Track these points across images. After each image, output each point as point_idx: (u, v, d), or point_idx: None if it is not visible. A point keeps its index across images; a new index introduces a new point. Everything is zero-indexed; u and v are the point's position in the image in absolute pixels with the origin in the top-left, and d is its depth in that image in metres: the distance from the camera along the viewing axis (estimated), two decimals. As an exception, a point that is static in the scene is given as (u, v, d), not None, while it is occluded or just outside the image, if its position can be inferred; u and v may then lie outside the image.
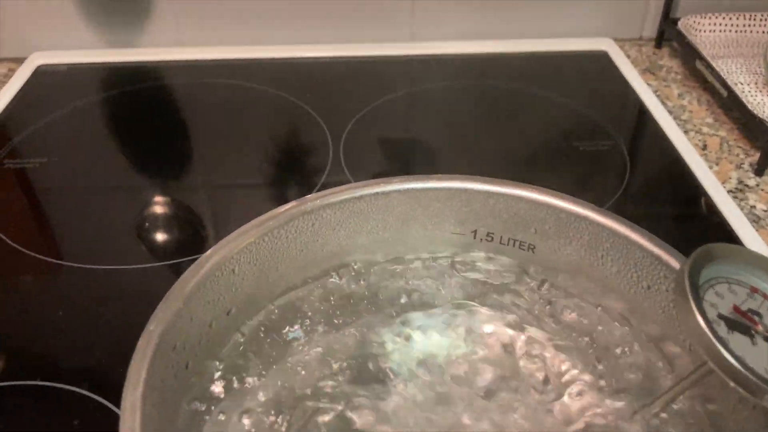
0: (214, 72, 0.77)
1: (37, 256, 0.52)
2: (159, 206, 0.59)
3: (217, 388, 0.35)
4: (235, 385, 0.36)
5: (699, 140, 0.66)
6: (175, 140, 0.68)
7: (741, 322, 0.29)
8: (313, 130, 0.67)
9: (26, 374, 0.43)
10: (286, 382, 0.36)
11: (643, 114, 0.70)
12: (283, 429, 0.34)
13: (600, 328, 0.39)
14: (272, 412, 0.35)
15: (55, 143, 0.67)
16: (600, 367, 0.37)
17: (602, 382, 0.36)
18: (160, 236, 0.56)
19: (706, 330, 0.27)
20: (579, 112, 0.70)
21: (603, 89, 0.75)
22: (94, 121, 0.71)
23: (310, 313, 0.40)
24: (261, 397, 0.35)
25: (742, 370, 0.26)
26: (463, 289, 0.42)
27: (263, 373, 0.36)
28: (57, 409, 0.42)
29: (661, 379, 0.36)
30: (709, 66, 0.70)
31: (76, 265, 0.51)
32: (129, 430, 0.27)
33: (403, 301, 0.41)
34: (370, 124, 0.68)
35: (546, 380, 0.37)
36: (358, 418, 0.34)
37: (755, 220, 0.56)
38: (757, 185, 0.60)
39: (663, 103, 0.71)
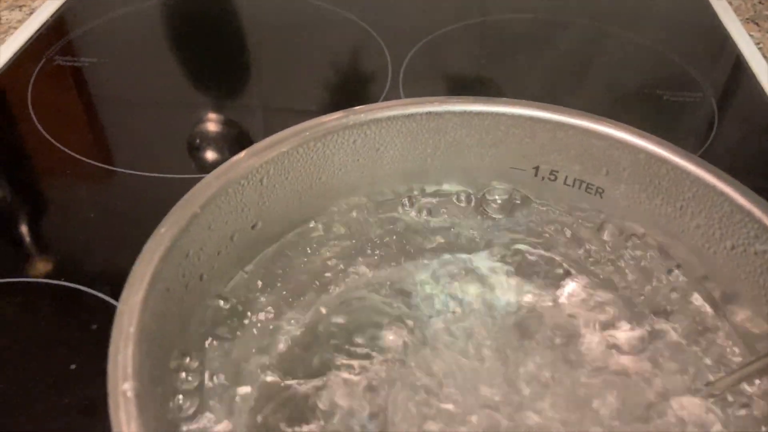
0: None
1: (85, 159, 0.50)
2: (212, 123, 0.56)
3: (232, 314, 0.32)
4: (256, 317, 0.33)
5: (803, 103, 0.59)
6: (231, 54, 0.64)
7: None
8: (373, 53, 0.62)
9: (54, 274, 0.41)
10: (310, 319, 0.33)
11: (739, 67, 0.62)
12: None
13: (663, 285, 0.34)
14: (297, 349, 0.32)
15: (110, 44, 0.64)
16: (657, 327, 0.32)
17: (659, 345, 0.32)
18: (210, 154, 0.54)
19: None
20: (667, 59, 0.63)
21: (697, 36, 0.68)
22: (152, 26, 0.68)
23: (343, 241, 0.36)
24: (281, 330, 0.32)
25: None
26: (514, 231, 0.37)
27: (286, 301, 0.33)
28: (76, 310, 0.40)
29: (728, 353, 0.31)
30: (825, 18, 0.61)
31: (123, 170, 0.49)
32: (121, 340, 0.24)
33: (441, 240, 0.37)
34: (435, 52, 0.63)
35: (594, 339, 0.32)
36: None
37: None
38: None
39: (765, 57, 0.63)
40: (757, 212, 0.29)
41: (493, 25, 0.68)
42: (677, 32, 0.68)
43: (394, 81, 0.59)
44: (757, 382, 0.29)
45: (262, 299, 0.33)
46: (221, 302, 0.32)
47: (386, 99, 0.57)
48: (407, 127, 0.35)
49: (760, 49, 0.64)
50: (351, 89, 0.60)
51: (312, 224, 0.36)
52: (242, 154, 0.32)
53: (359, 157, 0.36)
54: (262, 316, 0.32)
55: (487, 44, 0.66)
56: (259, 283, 0.34)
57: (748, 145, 0.55)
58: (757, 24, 0.69)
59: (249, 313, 0.33)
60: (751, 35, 0.66)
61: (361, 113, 0.34)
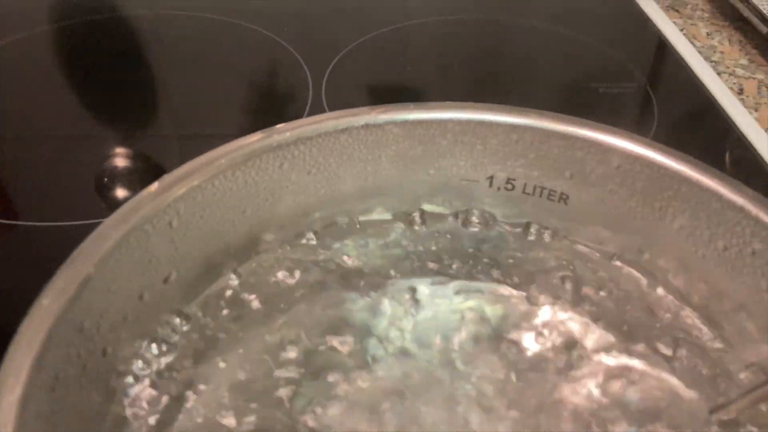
0: (177, 3, 0.66)
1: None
2: (120, 158, 0.49)
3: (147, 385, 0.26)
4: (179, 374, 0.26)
5: (734, 83, 0.58)
6: (137, 80, 0.57)
7: None
8: (291, 69, 0.57)
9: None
10: (246, 370, 0.27)
11: (667, 53, 0.61)
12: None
13: (644, 300, 0.30)
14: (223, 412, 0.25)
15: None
16: (647, 348, 0.28)
17: (648, 366, 0.28)
18: (122, 192, 0.47)
19: None
20: (597, 51, 0.61)
21: (622, 27, 0.66)
22: (45, 54, 0.60)
23: (279, 282, 0.31)
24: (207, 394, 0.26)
25: None
26: (471, 251, 0.33)
27: (213, 362, 0.27)
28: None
29: (736, 372, 0.27)
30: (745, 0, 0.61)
31: (21, 223, 0.42)
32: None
33: (392, 271, 0.31)
34: (357, 62, 0.58)
35: (572, 362, 0.28)
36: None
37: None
38: (806, 131, 0.52)
39: (690, 42, 0.62)
40: (752, 208, 0.26)
41: (417, 29, 0.64)
42: (603, 25, 0.66)
43: (317, 96, 0.54)
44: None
45: (189, 371, 0.27)
46: (130, 379, 0.26)
47: (310, 113, 0.52)
48: (342, 144, 0.30)
49: (684, 34, 0.63)
50: (270, 109, 0.54)
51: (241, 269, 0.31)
52: (144, 193, 0.26)
53: (289, 183, 0.30)
54: (189, 395, 0.26)
55: (412, 49, 0.62)
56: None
57: (692, 128, 0.53)
58: (677, 11, 0.68)
59: (170, 392, 0.26)
60: (674, 22, 0.65)
61: (285, 131, 0.29)
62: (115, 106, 0.54)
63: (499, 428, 0.25)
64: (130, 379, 0.26)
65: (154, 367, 0.26)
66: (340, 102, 0.53)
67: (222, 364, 0.27)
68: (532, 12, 0.66)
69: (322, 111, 0.52)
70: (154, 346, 0.27)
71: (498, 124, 0.31)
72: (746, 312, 0.27)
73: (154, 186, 0.26)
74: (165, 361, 0.27)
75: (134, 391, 0.25)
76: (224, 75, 0.58)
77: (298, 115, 0.51)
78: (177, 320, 0.28)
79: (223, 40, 0.62)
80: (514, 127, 0.30)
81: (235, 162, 0.28)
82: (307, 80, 0.55)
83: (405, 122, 0.30)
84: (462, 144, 0.31)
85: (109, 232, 0.24)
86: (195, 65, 0.59)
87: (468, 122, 0.30)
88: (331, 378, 0.27)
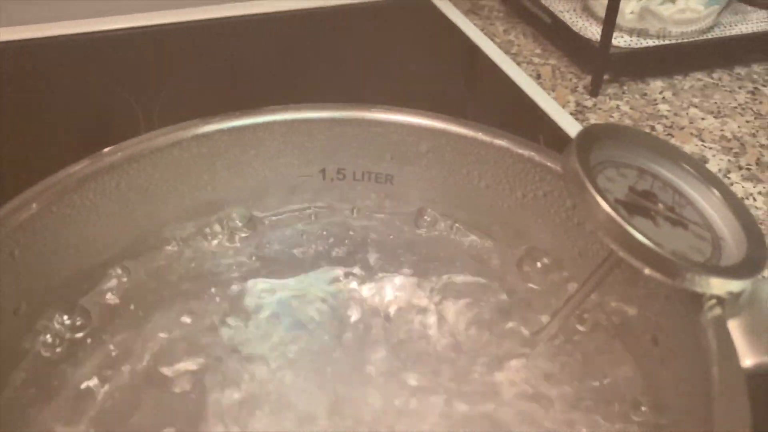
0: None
1: None
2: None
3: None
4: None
5: (532, 71, 0.65)
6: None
7: (640, 205, 0.25)
8: (121, 107, 0.57)
9: None
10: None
11: (475, 53, 0.67)
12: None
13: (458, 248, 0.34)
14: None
15: None
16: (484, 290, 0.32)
17: (482, 310, 0.32)
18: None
19: (615, 216, 0.23)
20: (409, 59, 0.66)
21: (432, 35, 0.72)
22: None
23: (126, 299, 0.32)
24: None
25: (660, 250, 0.23)
26: (320, 243, 0.35)
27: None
28: None
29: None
30: (530, -3, 0.69)
31: None
32: None
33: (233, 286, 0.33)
34: (183, 93, 0.59)
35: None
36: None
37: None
38: (595, 105, 0.60)
39: (491, 39, 0.69)
40: (536, 156, 0.31)
41: (233, 58, 0.66)
42: (415, 34, 0.71)
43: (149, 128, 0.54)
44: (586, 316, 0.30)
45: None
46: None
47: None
48: (176, 157, 0.32)
49: (485, 33, 0.70)
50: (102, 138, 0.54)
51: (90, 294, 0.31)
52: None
53: (127, 203, 0.31)
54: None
55: (229, 76, 0.64)
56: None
57: (500, 111, 0.59)
58: (476, 14, 0.76)
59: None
60: (474, 24, 0.72)
61: (117, 152, 0.30)
62: None
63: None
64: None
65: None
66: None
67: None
68: (351, 29, 0.70)
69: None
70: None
71: (320, 120, 0.34)
72: (545, 247, 0.32)
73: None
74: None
75: None
76: (52, 124, 0.56)
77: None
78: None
79: (49, 88, 0.60)
80: (334, 121, 0.33)
81: (70, 187, 0.29)
82: (138, 117, 0.55)
83: (232, 129, 0.32)
84: (291, 143, 0.34)
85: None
86: (21, 119, 0.57)
87: (292, 122, 0.33)
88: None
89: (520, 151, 0.31)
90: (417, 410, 0.28)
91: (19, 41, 0.65)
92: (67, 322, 0.30)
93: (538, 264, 0.33)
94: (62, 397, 0.27)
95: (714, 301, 0.24)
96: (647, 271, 0.23)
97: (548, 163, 0.30)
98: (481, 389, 0.28)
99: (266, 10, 0.73)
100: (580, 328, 0.30)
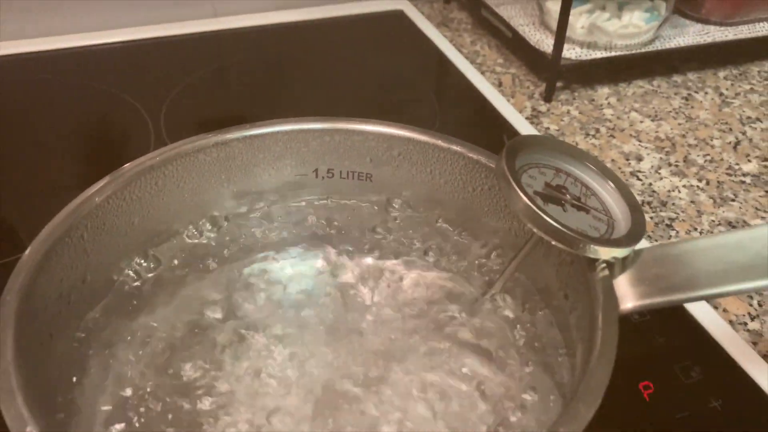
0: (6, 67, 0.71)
1: None
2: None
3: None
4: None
5: (495, 79, 0.74)
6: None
7: (553, 195, 0.34)
8: (129, 114, 0.65)
9: None
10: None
11: (444, 63, 0.76)
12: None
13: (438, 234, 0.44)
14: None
15: None
16: (444, 263, 0.42)
17: (442, 278, 0.41)
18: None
19: (530, 204, 0.32)
20: (385, 69, 0.75)
21: (405, 45, 0.80)
22: None
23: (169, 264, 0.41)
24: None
25: (562, 228, 0.32)
26: (316, 228, 0.44)
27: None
28: None
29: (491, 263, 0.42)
30: (493, 13, 0.78)
31: None
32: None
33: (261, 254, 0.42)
34: (186, 100, 0.67)
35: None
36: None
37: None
38: (548, 110, 0.69)
39: (459, 50, 0.78)
40: (483, 159, 0.40)
41: (229, 68, 0.74)
42: (390, 46, 0.80)
43: (157, 133, 0.62)
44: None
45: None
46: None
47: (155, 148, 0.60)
48: (200, 161, 0.40)
49: (454, 44, 0.79)
50: (116, 152, 0.61)
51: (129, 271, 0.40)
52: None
53: (163, 196, 0.40)
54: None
55: (229, 85, 0.72)
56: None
57: (466, 120, 0.68)
58: (447, 26, 0.84)
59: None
60: (444, 35, 0.81)
61: (156, 156, 0.39)
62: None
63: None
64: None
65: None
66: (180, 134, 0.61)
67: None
68: (329, 43, 0.78)
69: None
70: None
71: (314, 130, 0.42)
72: (490, 229, 0.41)
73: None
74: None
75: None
76: (62, 132, 0.62)
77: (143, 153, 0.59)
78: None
79: (59, 98, 0.67)
80: (324, 131, 0.42)
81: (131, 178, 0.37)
82: (146, 122, 0.63)
83: (245, 137, 0.41)
84: (291, 149, 0.43)
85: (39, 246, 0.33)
86: (33, 128, 0.63)
87: (292, 131, 0.42)
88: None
89: (471, 155, 0.40)
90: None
91: (33, 53, 0.72)
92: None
93: (485, 242, 0.42)
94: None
95: (604, 264, 0.33)
96: (554, 243, 0.32)
97: (492, 165, 0.39)
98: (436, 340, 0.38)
99: (244, 24, 0.80)
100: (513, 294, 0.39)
